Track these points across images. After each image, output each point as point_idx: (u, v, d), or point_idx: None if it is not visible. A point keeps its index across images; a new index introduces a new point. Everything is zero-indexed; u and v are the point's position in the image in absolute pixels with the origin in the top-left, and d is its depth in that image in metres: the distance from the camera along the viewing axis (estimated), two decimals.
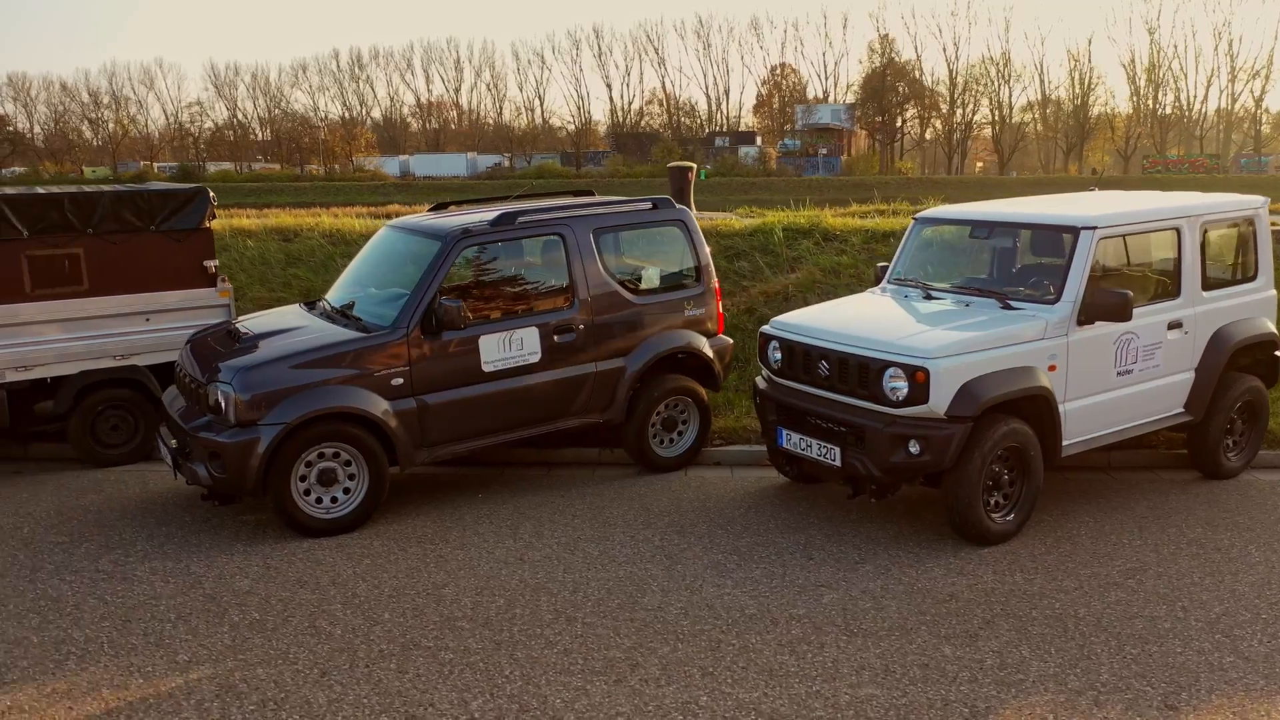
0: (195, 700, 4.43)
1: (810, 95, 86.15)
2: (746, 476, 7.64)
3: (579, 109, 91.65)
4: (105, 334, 7.94)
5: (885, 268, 7.64)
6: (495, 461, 7.88)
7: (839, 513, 6.75)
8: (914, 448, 5.90)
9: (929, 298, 6.94)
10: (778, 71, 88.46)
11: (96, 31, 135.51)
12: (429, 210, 8.14)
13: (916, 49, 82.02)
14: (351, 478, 6.53)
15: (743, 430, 8.32)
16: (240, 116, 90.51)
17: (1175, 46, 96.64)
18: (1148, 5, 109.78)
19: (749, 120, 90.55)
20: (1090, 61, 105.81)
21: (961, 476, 5.98)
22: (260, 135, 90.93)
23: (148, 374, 8.16)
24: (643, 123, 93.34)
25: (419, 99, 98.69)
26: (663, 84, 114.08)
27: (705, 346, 7.82)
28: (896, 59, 78.44)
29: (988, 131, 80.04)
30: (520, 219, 7.13)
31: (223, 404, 6.19)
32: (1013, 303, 6.45)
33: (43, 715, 4.33)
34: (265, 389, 6.19)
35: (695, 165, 14.78)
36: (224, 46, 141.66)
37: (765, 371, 7.06)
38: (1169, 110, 76.49)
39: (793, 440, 6.63)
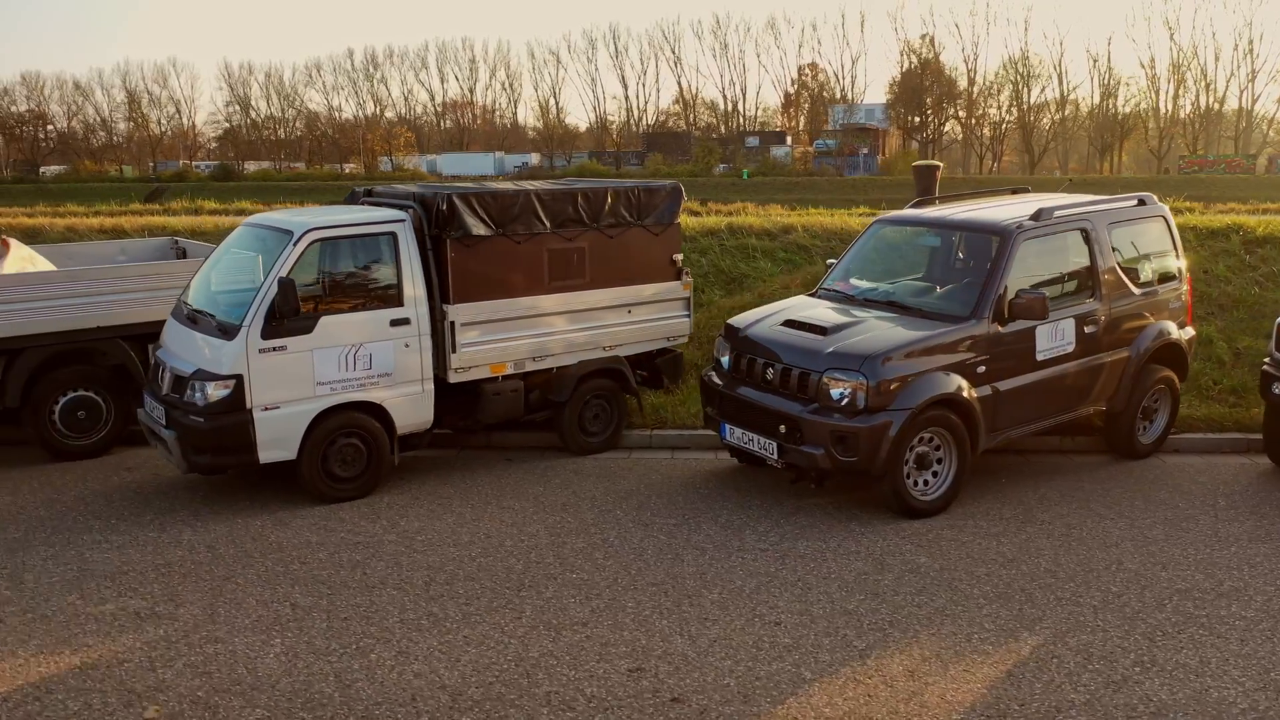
0: (1071, 665, 4.71)
1: (837, 95, 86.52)
2: (1227, 463, 7.95)
3: (595, 108, 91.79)
4: (598, 325, 8.18)
5: None
6: None
7: None
8: None
9: None
10: (806, 71, 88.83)
11: (99, 30, 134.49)
12: (910, 206, 8.42)
13: (935, 49, 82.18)
14: (939, 461, 6.81)
15: (1182, 420, 8.62)
16: (254, 115, 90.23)
17: (1196, 47, 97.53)
18: (1166, 5, 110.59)
19: (769, 120, 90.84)
20: (1109, 62, 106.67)
21: None
22: (277, 134, 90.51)
23: (626, 364, 8.42)
24: (669, 123, 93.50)
25: (434, 98, 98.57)
26: (678, 83, 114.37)
27: (1184, 337, 8.14)
28: (932, 60, 78.93)
29: (1018, 131, 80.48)
30: (1056, 213, 7.43)
31: (850, 391, 6.44)
32: None
33: (953, 677, 4.61)
34: (892, 376, 6.47)
35: (939, 164, 15.09)
36: (237, 46, 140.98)
37: None
38: (1202, 109, 77.23)
39: None
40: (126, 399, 8.42)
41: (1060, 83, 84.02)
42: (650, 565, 5.94)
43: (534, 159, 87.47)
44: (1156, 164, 74.18)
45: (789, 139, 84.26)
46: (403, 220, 7.29)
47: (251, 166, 74.42)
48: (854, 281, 7.95)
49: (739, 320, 7.63)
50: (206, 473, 7.04)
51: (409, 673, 4.69)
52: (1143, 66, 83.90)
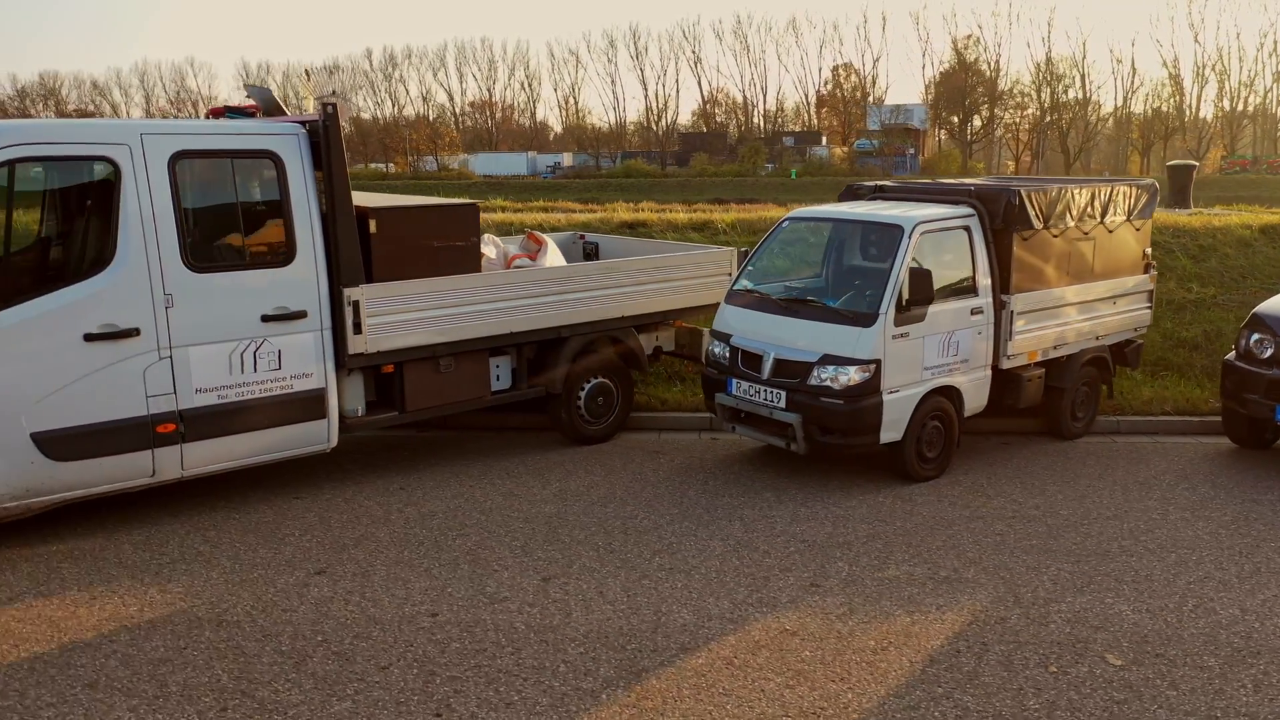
0: None
1: (870, 96, 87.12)
2: None
3: (616, 108, 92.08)
4: (1096, 316, 8.62)
5: None
6: None
7: None
8: None
9: None
10: (840, 72, 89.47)
11: (121, 31, 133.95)
12: None
13: (956, 49, 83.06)
14: None
15: None
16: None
17: (1221, 49, 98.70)
18: (1191, 6, 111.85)
19: (792, 119, 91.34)
20: (1133, 64, 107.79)
21: None
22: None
23: (1109, 353, 8.87)
24: (695, 123, 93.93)
25: (452, 98, 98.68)
26: (699, 85, 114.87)
27: None
28: (974, 60, 79.69)
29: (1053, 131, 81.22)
30: None
31: None
32: None
33: None
34: None
35: (1195, 164, 15.58)
36: (254, 46, 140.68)
37: None
38: (1231, 110, 78.17)
39: None
40: (629, 385, 8.83)
41: (1083, 84, 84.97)
42: None
43: (566, 158, 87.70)
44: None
45: (825, 138, 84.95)
46: (973, 214, 7.71)
47: None
48: None
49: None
50: (824, 454, 7.44)
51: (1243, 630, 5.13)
52: (1166, 66, 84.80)
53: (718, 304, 9.01)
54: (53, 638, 5.01)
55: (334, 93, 7.23)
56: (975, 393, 7.80)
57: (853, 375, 7.04)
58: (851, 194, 8.91)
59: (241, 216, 6.78)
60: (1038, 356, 8.21)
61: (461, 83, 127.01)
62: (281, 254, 6.81)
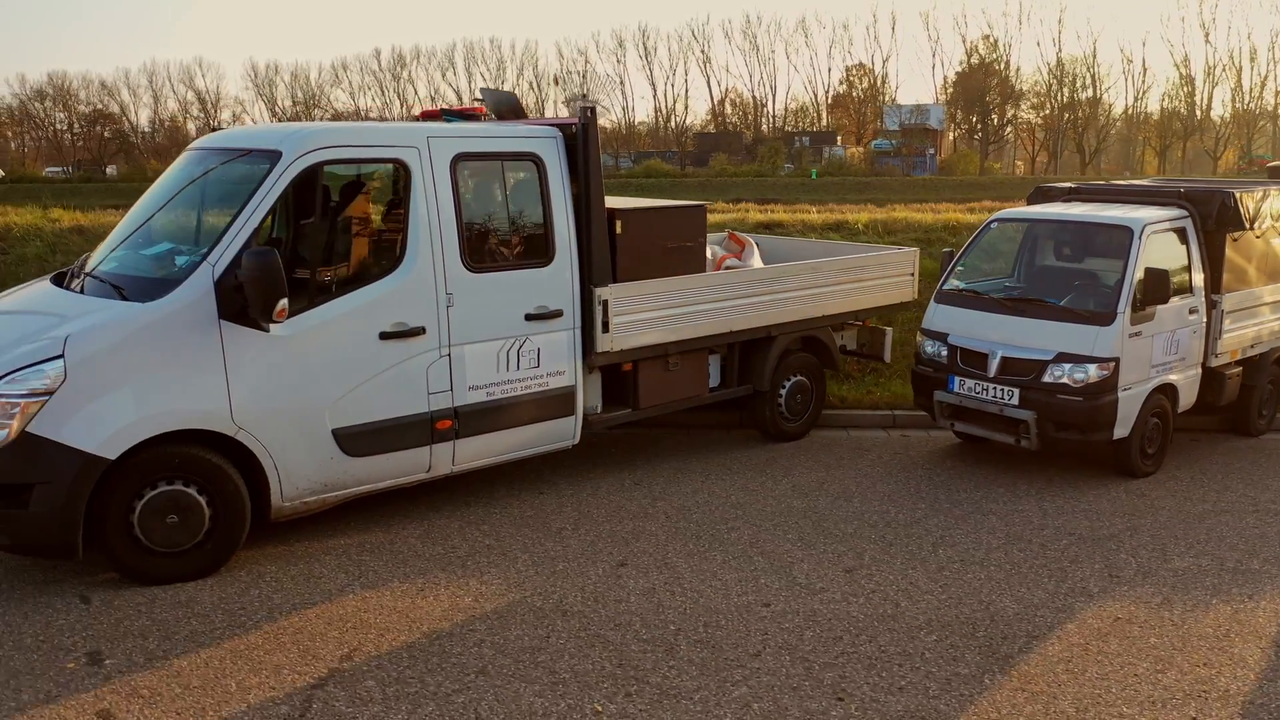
0: None
1: (885, 97, 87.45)
2: None
3: (625, 109, 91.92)
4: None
5: None
6: None
7: None
8: None
9: None
10: (854, 72, 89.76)
11: (128, 31, 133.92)
12: None
13: (967, 49, 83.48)
14: None
15: None
16: (280, 115, 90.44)
17: (1233, 51, 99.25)
18: (1202, 6, 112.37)
19: (802, 119, 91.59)
20: (1144, 63, 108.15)
21: None
22: None
23: None
24: (708, 124, 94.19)
25: (461, 98, 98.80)
26: (708, 85, 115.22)
27: None
28: (993, 60, 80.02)
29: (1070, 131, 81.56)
30: None
31: None
32: None
33: None
34: None
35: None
36: (264, 47, 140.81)
37: None
38: (1243, 110, 78.60)
39: None
40: (823, 383, 8.99)
41: (1095, 84, 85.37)
42: None
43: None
44: (1212, 164, 75.45)
45: (839, 138, 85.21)
46: (1186, 215, 7.89)
47: None
48: None
49: None
50: (1056, 448, 7.66)
51: None
52: (1177, 66, 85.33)
53: (901, 303, 9.28)
54: (411, 627, 5.16)
55: (585, 96, 7.38)
56: (1189, 390, 7.98)
57: (1091, 373, 7.20)
58: (1042, 195, 9.08)
59: (508, 217, 6.94)
60: (1238, 355, 8.39)
61: (470, 83, 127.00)
62: (542, 254, 6.95)
